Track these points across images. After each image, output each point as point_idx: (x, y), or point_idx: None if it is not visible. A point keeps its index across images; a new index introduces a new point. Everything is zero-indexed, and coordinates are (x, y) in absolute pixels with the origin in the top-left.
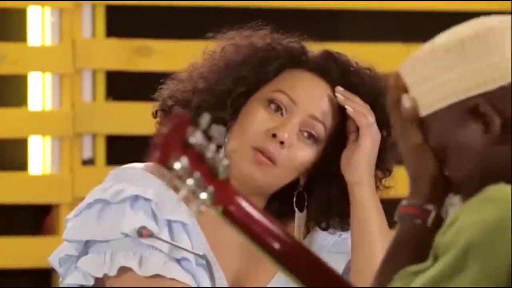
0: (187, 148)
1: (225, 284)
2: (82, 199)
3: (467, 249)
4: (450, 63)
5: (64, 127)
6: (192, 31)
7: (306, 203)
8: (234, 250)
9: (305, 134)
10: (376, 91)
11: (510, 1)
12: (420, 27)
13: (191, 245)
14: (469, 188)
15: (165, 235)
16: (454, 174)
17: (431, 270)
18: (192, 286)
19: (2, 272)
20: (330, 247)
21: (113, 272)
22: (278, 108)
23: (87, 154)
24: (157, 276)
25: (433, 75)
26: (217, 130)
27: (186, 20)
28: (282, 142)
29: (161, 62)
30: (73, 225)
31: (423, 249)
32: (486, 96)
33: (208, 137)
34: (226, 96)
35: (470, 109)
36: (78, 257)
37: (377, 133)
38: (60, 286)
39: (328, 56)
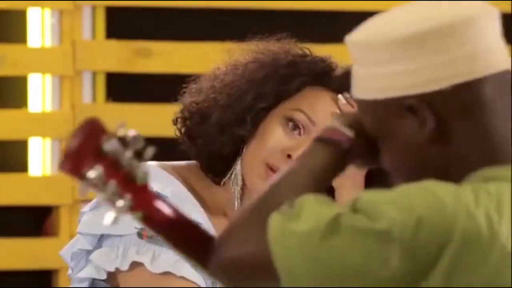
0: (101, 156)
1: None
2: (82, 201)
3: (396, 228)
4: (400, 56)
5: (64, 128)
6: (192, 33)
7: None
8: None
9: None
10: None
11: (510, 1)
12: None
13: None
14: (397, 179)
15: None
16: (388, 164)
17: (353, 219)
18: (201, 286)
19: (2, 273)
20: None
21: (125, 267)
22: (296, 127)
23: None
24: (167, 273)
25: (381, 63)
26: (134, 136)
27: (186, 21)
28: None
29: (161, 63)
30: (88, 219)
31: (331, 175)
32: (423, 96)
33: (125, 144)
34: (246, 112)
35: (406, 107)
36: (92, 251)
37: None
38: (71, 279)
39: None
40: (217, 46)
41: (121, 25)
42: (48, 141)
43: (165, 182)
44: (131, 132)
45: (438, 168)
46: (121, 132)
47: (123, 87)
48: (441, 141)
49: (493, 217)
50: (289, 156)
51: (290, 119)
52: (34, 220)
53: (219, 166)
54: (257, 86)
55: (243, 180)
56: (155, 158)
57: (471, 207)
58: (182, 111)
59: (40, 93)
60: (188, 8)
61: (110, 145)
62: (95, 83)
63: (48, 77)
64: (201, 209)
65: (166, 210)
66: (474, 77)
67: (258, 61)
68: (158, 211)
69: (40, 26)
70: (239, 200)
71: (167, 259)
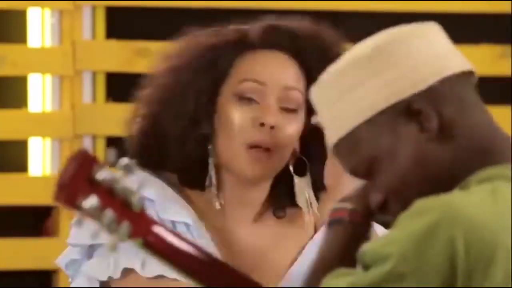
0: (95, 186)
1: None
2: None
3: (400, 261)
4: (373, 72)
5: (64, 128)
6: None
7: (308, 167)
8: (240, 250)
9: (286, 108)
10: (325, 45)
11: (510, 1)
12: None
13: None
14: (406, 196)
15: None
16: (389, 183)
17: (365, 276)
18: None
19: (2, 273)
20: None
21: (117, 275)
22: (250, 98)
23: None
24: (160, 276)
25: (356, 85)
26: (126, 164)
27: (186, 21)
28: (272, 127)
29: None
30: (76, 230)
31: (353, 248)
32: (418, 95)
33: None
34: (195, 113)
35: (402, 111)
36: (84, 260)
37: None
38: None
39: (271, 28)
40: None
41: (121, 25)
42: (48, 141)
43: (150, 186)
44: (123, 161)
45: (445, 170)
46: (111, 160)
47: (123, 87)
48: (445, 138)
49: (491, 218)
50: (262, 124)
51: (240, 95)
52: (34, 220)
53: (196, 175)
54: (191, 85)
55: (217, 179)
56: None
57: (466, 213)
58: (140, 144)
59: (40, 93)
60: (188, 8)
61: (103, 174)
62: (95, 83)
63: (48, 77)
64: (192, 210)
65: (165, 234)
66: (453, 72)
67: (178, 68)
68: (157, 236)
69: (40, 26)
70: (217, 200)
71: (158, 262)
